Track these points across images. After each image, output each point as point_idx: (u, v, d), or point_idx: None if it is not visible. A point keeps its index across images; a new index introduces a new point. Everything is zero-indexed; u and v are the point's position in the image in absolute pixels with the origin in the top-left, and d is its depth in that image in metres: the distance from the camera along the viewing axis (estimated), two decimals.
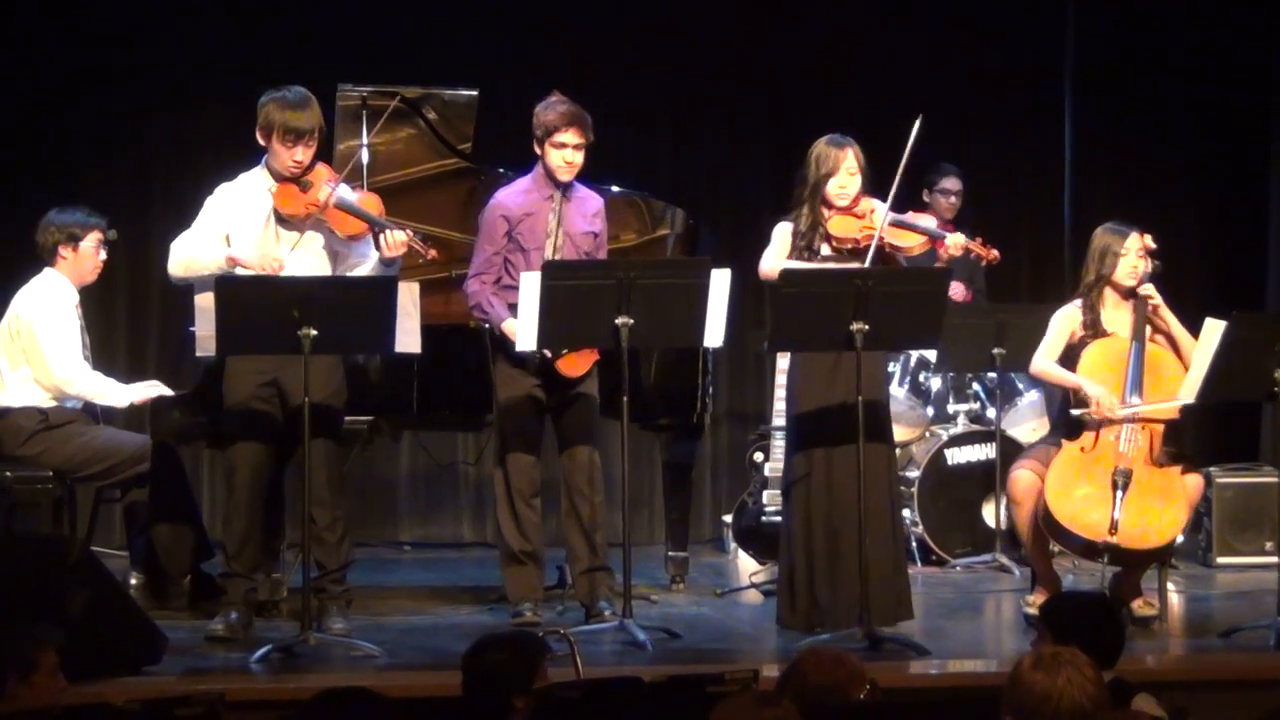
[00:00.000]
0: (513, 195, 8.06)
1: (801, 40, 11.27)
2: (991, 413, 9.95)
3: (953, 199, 10.70)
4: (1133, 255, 7.96)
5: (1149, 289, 7.96)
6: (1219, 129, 11.63)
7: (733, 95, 11.32)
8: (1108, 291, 8.00)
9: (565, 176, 7.96)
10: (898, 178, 7.74)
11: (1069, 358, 8.00)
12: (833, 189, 7.79)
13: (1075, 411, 7.86)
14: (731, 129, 11.30)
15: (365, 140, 8.72)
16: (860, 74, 11.26)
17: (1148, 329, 7.96)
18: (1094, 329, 7.97)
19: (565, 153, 7.92)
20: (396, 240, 7.62)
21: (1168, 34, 11.55)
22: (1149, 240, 8.01)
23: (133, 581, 8.31)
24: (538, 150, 7.98)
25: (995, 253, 8.12)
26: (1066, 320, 8.03)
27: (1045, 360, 8.05)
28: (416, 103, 8.97)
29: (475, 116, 9.03)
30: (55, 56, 10.57)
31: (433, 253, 7.76)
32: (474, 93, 9.02)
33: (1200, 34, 11.53)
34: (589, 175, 8.19)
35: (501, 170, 8.74)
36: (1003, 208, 11.61)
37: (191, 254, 7.67)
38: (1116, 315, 7.99)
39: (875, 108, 10.98)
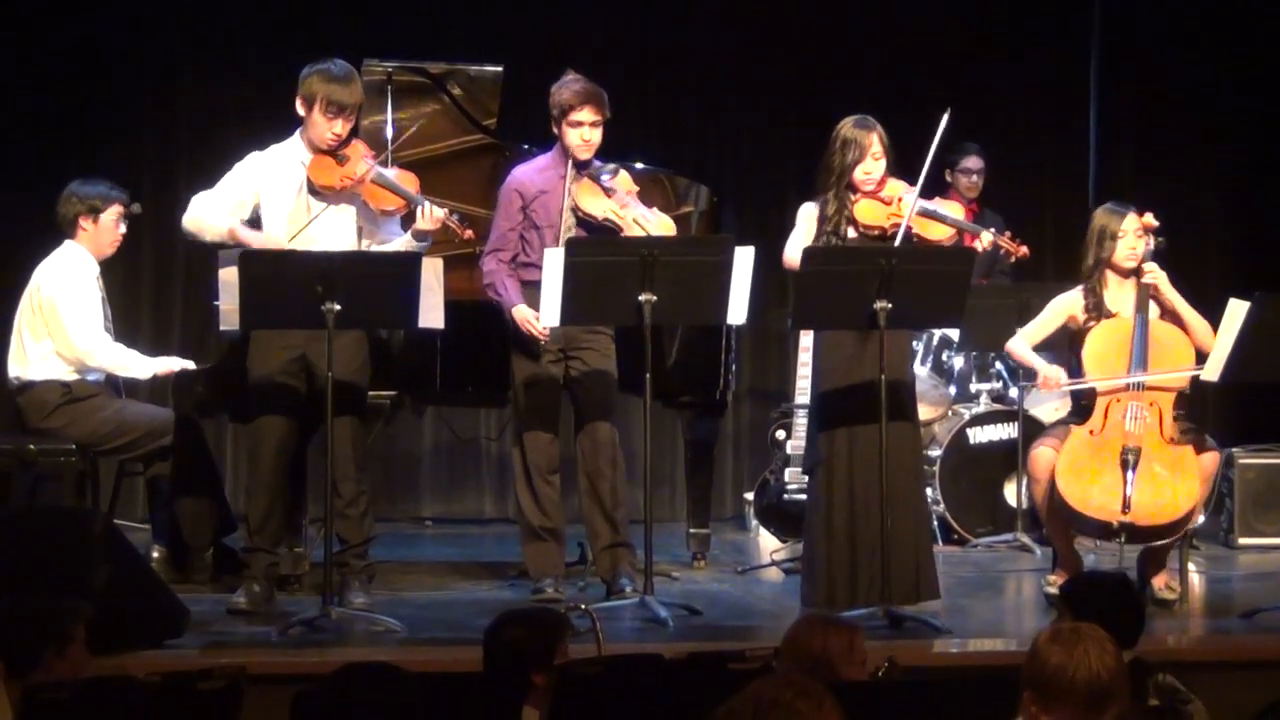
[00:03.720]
0: (529, 172, 8.08)
1: (828, 16, 11.25)
2: (1014, 392, 9.93)
3: (974, 178, 10.67)
4: (1131, 236, 7.94)
5: (1152, 268, 7.93)
6: (1245, 106, 11.61)
7: (759, 72, 11.31)
8: (1109, 273, 7.99)
9: (584, 155, 7.96)
10: (925, 169, 7.72)
11: (1074, 342, 8.00)
12: (859, 174, 7.75)
13: (1023, 384, 7.96)
14: (757, 106, 11.29)
15: (390, 116, 8.72)
16: (885, 51, 11.25)
17: (1153, 307, 7.95)
18: (1098, 312, 7.96)
19: (582, 130, 7.92)
20: (435, 215, 7.64)
21: (1195, 9, 11.52)
22: (1149, 219, 7.98)
23: (155, 555, 8.33)
24: (555, 130, 7.99)
25: (1025, 249, 8.06)
26: (1063, 306, 8.03)
27: (1018, 339, 8.14)
28: (442, 78, 8.97)
29: (500, 92, 9.03)
30: (82, 29, 10.58)
31: (469, 233, 7.79)
32: (499, 68, 9.01)
33: (1228, 11, 11.50)
34: (613, 152, 8.19)
35: (526, 146, 8.75)
36: (1026, 187, 11.59)
37: (203, 213, 7.75)
38: (1120, 295, 7.99)
39: (901, 85, 10.99)
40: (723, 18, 11.24)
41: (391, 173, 7.87)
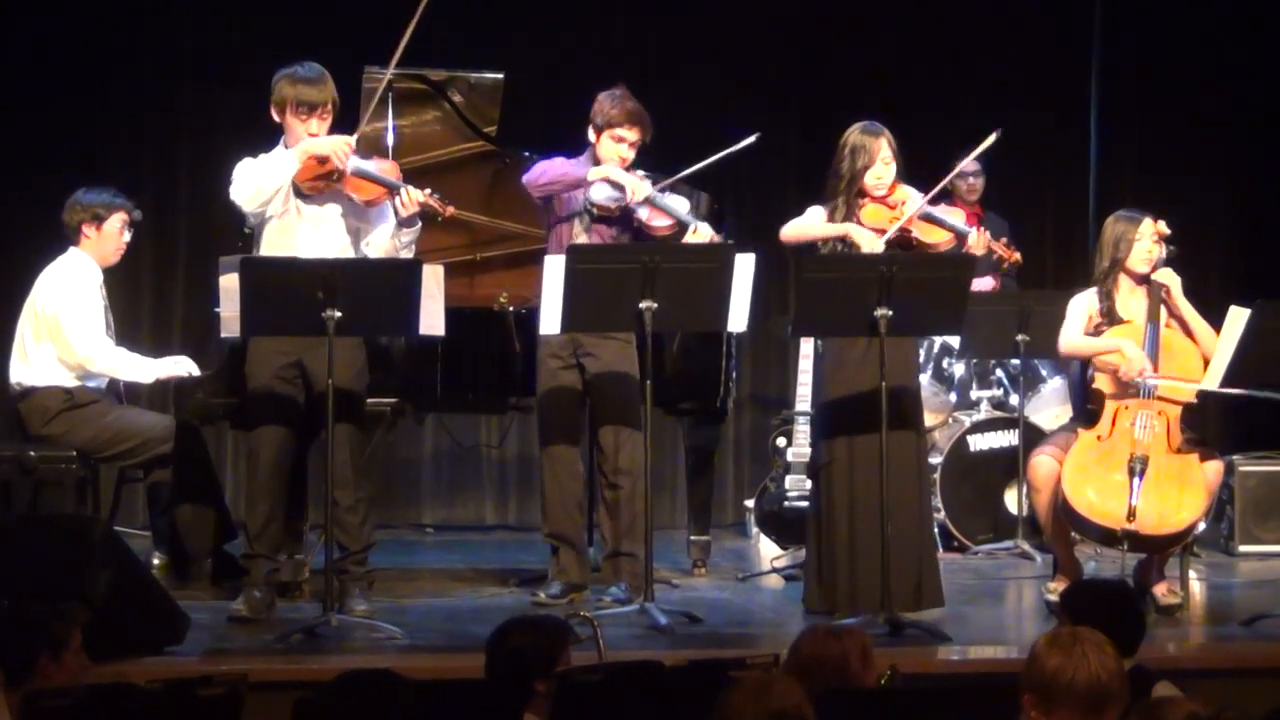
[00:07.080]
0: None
1: (828, 19, 11.26)
2: (1014, 399, 9.93)
3: (970, 180, 10.63)
4: (1147, 240, 7.95)
5: (1165, 274, 7.94)
6: (1246, 113, 11.59)
7: (759, 78, 11.30)
8: (1122, 278, 7.99)
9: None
10: (948, 178, 7.75)
11: None
12: (869, 180, 7.77)
13: (1150, 379, 7.78)
14: (758, 112, 11.26)
15: (391, 123, 8.72)
16: (885, 54, 11.24)
17: (1163, 312, 7.95)
18: (1109, 316, 7.96)
19: (621, 148, 8.02)
20: (413, 198, 7.60)
21: (1197, 13, 11.51)
22: (1163, 226, 7.99)
23: (155, 561, 8.35)
24: (592, 137, 8.02)
25: (1017, 255, 8.11)
26: (1084, 305, 8.02)
27: (1073, 335, 8.01)
28: (442, 85, 8.97)
29: (501, 99, 9.03)
30: (83, 35, 10.59)
31: (450, 209, 7.74)
32: (499, 75, 9.02)
33: (1230, 15, 11.50)
34: None
35: (527, 153, 8.75)
36: (1027, 193, 11.58)
37: (258, 171, 7.64)
38: (1131, 301, 7.99)
39: (899, 88, 10.97)
40: (723, 23, 11.24)
41: (372, 164, 7.80)
